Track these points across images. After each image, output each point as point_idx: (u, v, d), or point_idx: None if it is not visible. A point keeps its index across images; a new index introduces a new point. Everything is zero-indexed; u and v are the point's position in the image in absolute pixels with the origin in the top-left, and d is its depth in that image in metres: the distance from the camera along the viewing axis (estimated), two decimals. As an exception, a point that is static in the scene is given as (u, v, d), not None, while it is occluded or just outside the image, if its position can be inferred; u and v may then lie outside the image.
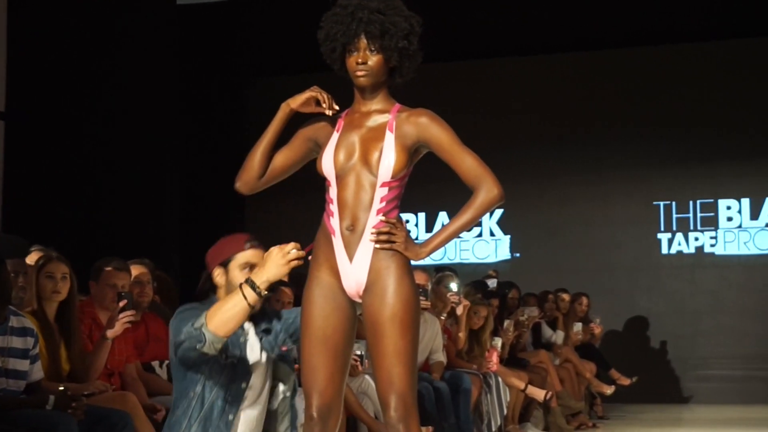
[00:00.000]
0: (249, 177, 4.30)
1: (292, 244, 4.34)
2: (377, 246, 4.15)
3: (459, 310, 9.11)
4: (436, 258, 13.26)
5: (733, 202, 13.49)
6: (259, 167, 4.28)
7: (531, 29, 13.58)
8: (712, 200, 13.55)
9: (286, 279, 4.44)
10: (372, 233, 4.14)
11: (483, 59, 14.06)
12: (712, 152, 13.52)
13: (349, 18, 4.15)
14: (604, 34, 13.51)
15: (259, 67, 14.29)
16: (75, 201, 11.36)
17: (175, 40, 12.77)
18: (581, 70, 13.85)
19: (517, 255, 14.04)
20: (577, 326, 11.58)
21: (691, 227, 13.59)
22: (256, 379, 4.77)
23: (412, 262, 4.22)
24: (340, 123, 4.26)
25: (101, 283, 6.36)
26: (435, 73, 12.41)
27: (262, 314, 4.80)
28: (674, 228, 13.64)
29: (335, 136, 4.24)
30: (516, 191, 12.37)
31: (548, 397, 9.89)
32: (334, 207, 4.20)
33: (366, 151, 4.17)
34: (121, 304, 5.89)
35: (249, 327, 4.77)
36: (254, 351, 4.77)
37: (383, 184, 4.16)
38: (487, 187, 4.16)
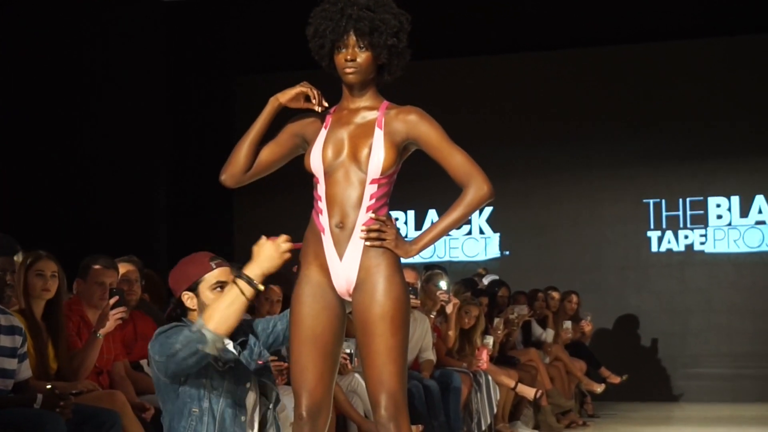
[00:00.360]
0: (235, 170, 4.27)
1: (283, 237, 4.28)
2: (367, 243, 4.13)
3: (449, 309, 9.11)
4: (425, 256, 13.23)
5: (722, 200, 13.48)
6: (245, 161, 4.25)
7: (519, 27, 13.59)
8: (701, 198, 13.54)
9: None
10: (362, 231, 4.12)
11: (471, 57, 14.04)
12: (702, 150, 13.51)
13: (339, 14, 4.13)
14: (593, 31, 13.52)
15: (246, 65, 14.26)
16: (62, 199, 11.33)
17: (161, 37, 12.76)
18: (570, 67, 13.83)
19: (507, 253, 14.02)
20: (567, 324, 11.57)
21: (681, 225, 13.58)
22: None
23: (402, 260, 4.20)
24: (328, 120, 4.24)
25: (89, 281, 6.34)
26: (423, 70, 12.37)
27: (236, 328, 4.62)
28: (664, 226, 13.63)
29: (323, 132, 4.22)
30: (505, 189, 12.40)
31: (538, 395, 9.88)
32: (322, 204, 4.18)
33: (355, 148, 4.15)
34: (113, 300, 5.87)
35: (227, 342, 4.60)
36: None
37: (373, 181, 4.14)
38: (477, 185, 4.15)
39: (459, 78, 13.98)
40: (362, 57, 4.15)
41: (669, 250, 13.61)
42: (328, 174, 4.16)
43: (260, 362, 4.70)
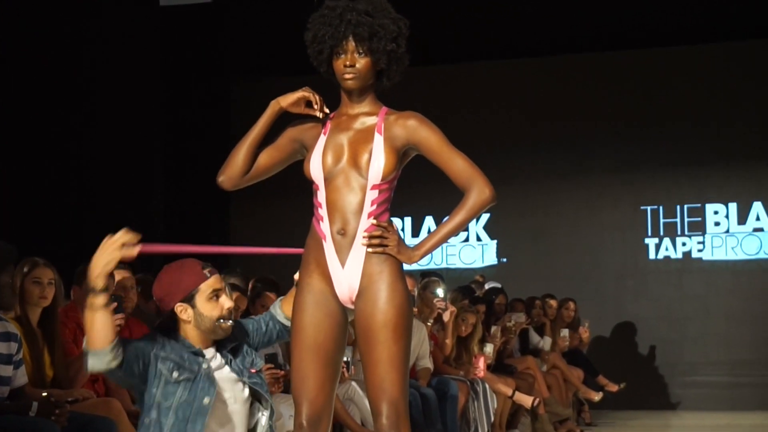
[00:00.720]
0: (233, 172, 4.22)
1: (120, 232, 4.21)
2: (370, 250, 4.09)
3: (446, 316, 9.08)
4: (422, 263, 13.05)
5: (720, 207, 13.47)
6: (243, 163, 4.21)
7: (518, 32, 13.58)
8: (699, 205, 13.54)
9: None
10: (364, 237, 4.09)
11: (470, 62, 14.04)
12: (700, 156, 13.51)
13: (338, 20, 4.09)
14: (591, 37, 13.52)
15: (242, 69, 14.26)
16: (57, 204, 11.28)
17: (158, 41, 12.74)
18: (568, 73, 13.83)
19: (504, 260, 14.01)
20: (564, 332, 11.56)
21: (679, 232, 13.57)
22: (233, 402, 4.52)
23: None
24: (327, 125, 4.21)
25: (85, 287, 6.29)
26: (421, 76, 12.37)
27: (225, 338, 4.56)
28: (661, 233, 13.62)
29: (322, 138, 4.18)
30: (503, 195, 12.22)
31: (536, 403, 9.85)
32: (323, 211, 4.14)
33: (355, 154, 4.12)
34: (112, 306, 5.84)
35: (213, 353, 4.55)
36: (223, 373, 4.53)
37: (373, 187, 4.10)
38: (479, 188, 4.12)
39: (457, 84, 13.98)
40: (361, 63, 4.11)
41: (667, 257, 13.60)
42: (328, 180, 4.13)
43: (253, 371, 4.62)
